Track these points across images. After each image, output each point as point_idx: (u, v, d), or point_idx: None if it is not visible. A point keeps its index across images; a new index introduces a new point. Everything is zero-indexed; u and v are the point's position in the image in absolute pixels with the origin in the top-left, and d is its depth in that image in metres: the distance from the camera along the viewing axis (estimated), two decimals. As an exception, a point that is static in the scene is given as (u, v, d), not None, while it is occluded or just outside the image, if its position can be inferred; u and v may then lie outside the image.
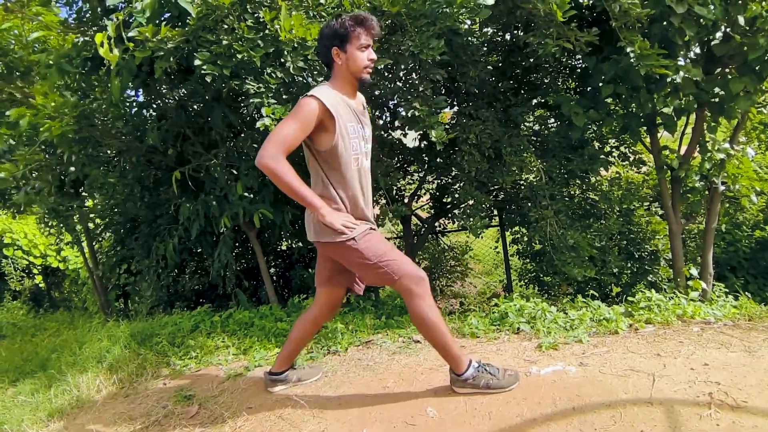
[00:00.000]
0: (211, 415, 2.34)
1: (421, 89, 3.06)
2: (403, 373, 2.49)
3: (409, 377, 2.43)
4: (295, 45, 2.68)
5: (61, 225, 5.07)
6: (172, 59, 2.75)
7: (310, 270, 4.60)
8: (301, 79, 3.01)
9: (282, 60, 2.74)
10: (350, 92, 2.14)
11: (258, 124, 2.62)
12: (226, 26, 2.69)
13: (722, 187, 3.69)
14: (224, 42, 2.64)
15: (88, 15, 3.28)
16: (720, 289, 3.63)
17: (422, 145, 4.16)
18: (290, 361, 2.51)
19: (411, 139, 4.25)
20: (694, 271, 3.63)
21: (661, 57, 2.75)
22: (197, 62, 2.63)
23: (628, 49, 2.79)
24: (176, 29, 2.69)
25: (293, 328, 2.47)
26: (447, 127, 3.25)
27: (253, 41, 2.64)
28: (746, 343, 2.41)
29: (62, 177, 3.99)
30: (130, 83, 3.09)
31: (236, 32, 2.66)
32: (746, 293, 3.30)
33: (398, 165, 4.32)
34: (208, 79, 2.68)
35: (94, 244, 5.41)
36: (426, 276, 2.13)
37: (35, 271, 8.47)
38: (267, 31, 2.67)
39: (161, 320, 3.75)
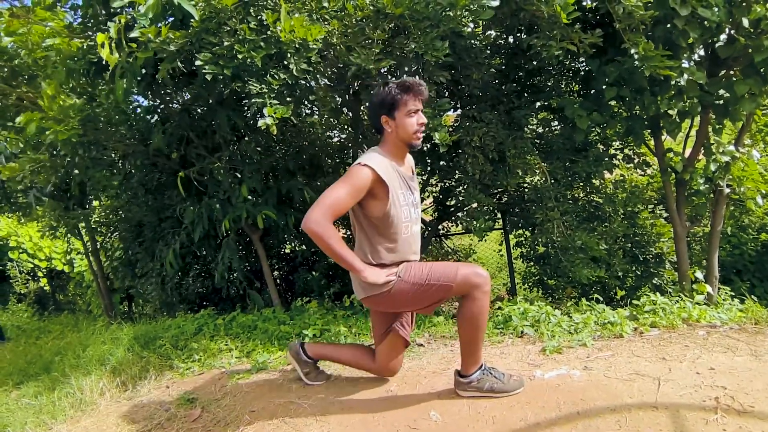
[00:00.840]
0: (214, 419, 2.34)
1: None
2: (406, 377, 2.48)
3: (412, 381, 2.43)
4: (297, 46, 2.69)
5: (66, 228, 5.09)
6: (174, 63, 2.76)
7: (313, 273, 4.60)
8: (303, 82, 3.02)
9: (285, 62, 2.74)
10: (400, 157, 2.16)
11: (260, 123, 2.62)
12: (228, 28, 2.70)
13: (727, 190, 3.67)
14: (226, 43, 2.65)
15: (92, 20, 3.30)
16: (725, 293, 3.60)
17: (425, 148, 4.15)
18: (323, 359, 2.57)
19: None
20: (700, 275, 3.60)
21: (665, 58, 2.74)
22: (198, 62, 2.64)
23: (632, 51, 2.78)
24: (179, 31, 2.70)
25: (358, 348, 2.51)
26: (450, 129, 3.24)
27: (255, 42, 2.65)
28: (753, 347, 2.39)
29: (67, 180, 4.02)
30: (134, 87, 3.10)
31: (238, 34, 2.67)
32: (752, 297, 3.26)
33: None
34: (208, 77, 2.68)
35: (98, 247, 5.43)
36: (487, 274, 2.06)
37: (40, 273, 8.51)
38: (269, 33, 2.67)
39: (164, 323, 3.76)
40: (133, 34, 2.64)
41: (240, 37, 2.65)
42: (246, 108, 3.64)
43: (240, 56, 2.62)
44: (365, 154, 2.09)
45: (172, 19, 2.89)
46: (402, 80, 2.08)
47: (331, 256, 2.00)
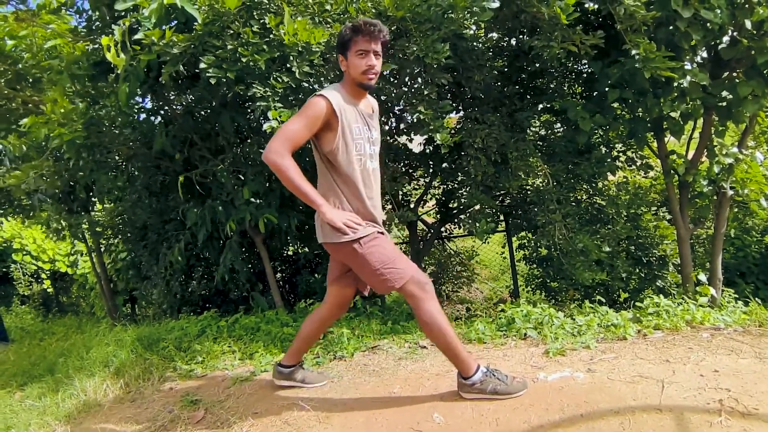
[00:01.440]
0: (217, 420, 2.34)
1: (426, 93, 3.07)
2: (409, 379, 2.48)
3: (416, 383, 2.42)
4: (300, 49, 2.70)
5: (70, 231, 5.11)
6: (178, 65, 2.78)
7: (316, 275, 4.60)
8: (306, 84, 3.03)
9: (288, 65, 2.76)
10: (357, 96, 2.19)
11: (265, 127, 2.64)
12: (231, 31, 2.71)
13: (731, 192, 3.66)
14: (229, 47, 2.66)
15: (97, 23, 3.33)
16: (729, 295, 3.59)
17: (428, 150, 4.16)
18: (299, 357, 2.55)
19: (416, 144, 4.26)
20: (703, 277, 3.59)
21: (666, 59, 2.74)
22: (202, 65, 2.66)
23: (634, 52, 2.78)
24: (182, 34, 2.71)
25: (303, 324, 2.51)
26: (452, 131, 3.25)
27: (258, 46, 2.67)
28: (757, 349, 2.38)
29: (71, 183, 4.04)
30: (138, 89, 3.12)
31: (242, 37, 2.68)
32: (756, 299, 3.25)
33: (404, 170, 4.33)
34: (212, 80, 2.70)
35: (102, 249, 5.45)
36: (430, 280, 2.14)
37: (44, 276, 8.54)
38: (272, 36, 2.69)
39: (168, 325, 3.76)
40: (137, 36, 2.66)
41: (243, 41, 2.67)
42: (249, 111, 3.67)
43: (244, 59, 2.64)
44: (325, 88, 2.14)
45: (176, 22, 2.92)
46: (355, 21, 2.12)
47: (290, 189, 2.02)
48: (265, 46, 2.68)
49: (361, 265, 2.14)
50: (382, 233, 2.20)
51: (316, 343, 3.13)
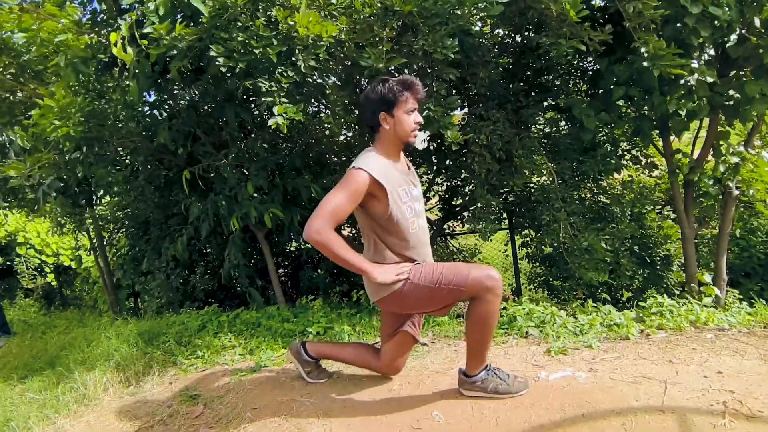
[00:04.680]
0: (216, 416, 2.33)
1: (434, 89, 3.04)
2: (409, 376, 2.46)
3: (416, 380, 2.41)
4: (309, 43, 2.68)
5: (74, 225, 5.12)
6: (185, 59, 2.76)
7: (319, 271, 4.60)
8: (310, 80, 3.01)
9: (294, 59, 2.74)
10: (396, 155, 2.15)
11: (270, 122, 2.62)
12: (240, 24, 2.69)
13: (736, 192, 3.62)
14: (239, 38, 2.64)
15: (102, 16, 3.31)
16: (734, 296, 3.56)
17: (431, 147, 4.13)
18: (325, 358, 2.57)
19: (420, 140, 4.23)
20: (708, 277, 3.56)
21: (676, 57, 2.70)
22: (212, 53, 2.63)
23: (642, 50, 2.75)
24: (190, 28, 2.70)
25: (360, 346, 2.51)
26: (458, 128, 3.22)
27: (269, 39, 2.65)
28: (762, 350, 2.36)
29: (77, 176, 4.03)
30: (146, 84, 3.10)
31: (251, 29, 2.66)
32: (761, 300, 3.22)
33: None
34: (224, 69, 2.68)
35: (105, 243, 5.45)
36: (499, 276, 2.04)
37: (47, 269, 8.57)
38: (279, 29, 2.67)
39: (169, 319, 3.77)
40: (146, 30, 2.64)
41: (253, 33, 2.65)
42: (253, 105, 3.65)
43: (256, 51, 2.62)
44: (360, 156, 2.08)
45: (182, 15, 2.90)
46: (402, 78, 2.07)
47: (337, 263, 1.99)
48: (274, 40, 2.66)
49: (420, 292, 2.06)
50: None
51: (317, 340, 3.13)
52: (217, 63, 2.64)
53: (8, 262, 8.42)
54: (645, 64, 2.75)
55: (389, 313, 2.31)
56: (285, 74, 2.71)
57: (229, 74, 2.71)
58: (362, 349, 2.48)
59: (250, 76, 2.81)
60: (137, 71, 2.85)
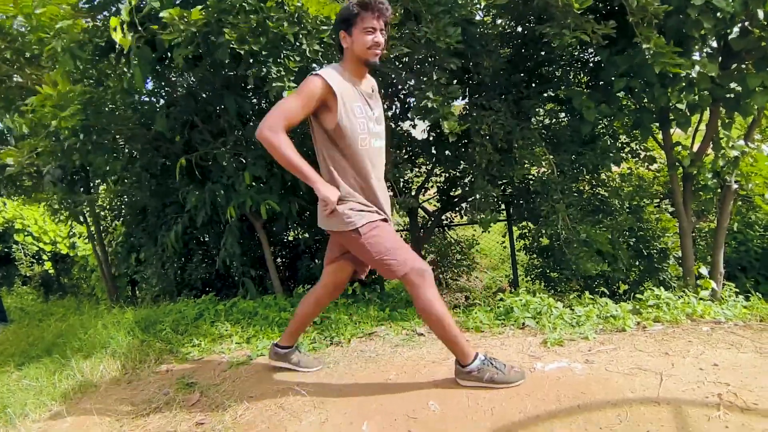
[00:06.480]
0: (212, 404, 2.33)
1: (435, 78, 3.02)
2: (405, 366, 2.47)
3: (412, 370, 2.41)
4: (316, 25, 2.66)
5: (69, 213, 5.10)
6: (190, 47, 2.72)
7: (316, 261, 4.59)
8: (315, 66, 2.98)
9: (298, 43, 2.71)
10: (358, 74, 2.15)
11: None
12: (248, 7, 2.65)
13: (735, 186, 3.62)
14: (253, 21, 2.60)
15: (98, 0, 3.27)
16: (730, 289, 3.57)
17: (431, 137, 4.11)
18: (295, 338, 2.56)
19: (420, 130, 4.21)
20: (704, 270, 3.57)
21: (676, 55, 2.69)
22: (225, 38, 2.60)
23: (644, 46, 2.73)
24: (197, 12, 2.66)
25: (299, 305, 2.50)
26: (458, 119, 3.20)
27: (282, 20, 2.62)
28: (757, 344, 2.36)
29: (74, 163, 4.00)
30: (148, 70, 3.07)
31: (263, 12, 2.62)
32: (757, 294, 3.22)
33: (406, 157, 4.28)
34: (239, 50, 2.64)
35: (102, 231, 5.44)
36: (429, 268, 2.13)
37: (45, 257, 8.56)
38: (286, 9, 2.64)
39: (166, 308, 3.76)
40: (162, 15, 2.60)
41: (264, 16, 2.62)
42: (253, 94, 3.62)
43: (275, 30, 2.59)
44: (323, 68, 2.11)
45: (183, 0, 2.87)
46: None
47: (285, 166, 2.01)
48: (285, 22, 2.64)
49: (361, 253, 2.15)
50: (385, 220, 2.18)
51: (313, 328, 3.12)
52: (231, 47, 2.61)
53: (6, 250, 8.40)
54: (647, 60, 2.74)
55: (336, 241, 2.32)
56: (292, 58, 2.69)
57: (230, 61, 2.69)
58: (303, 301, 2.48)
59: (257, 63, 2.78)
60: (138, 56, 2.82)
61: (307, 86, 2.01)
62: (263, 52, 2.76)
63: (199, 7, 2.65)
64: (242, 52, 2.68)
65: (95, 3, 3.29)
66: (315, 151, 2.18)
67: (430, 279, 2.11)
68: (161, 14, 2.61)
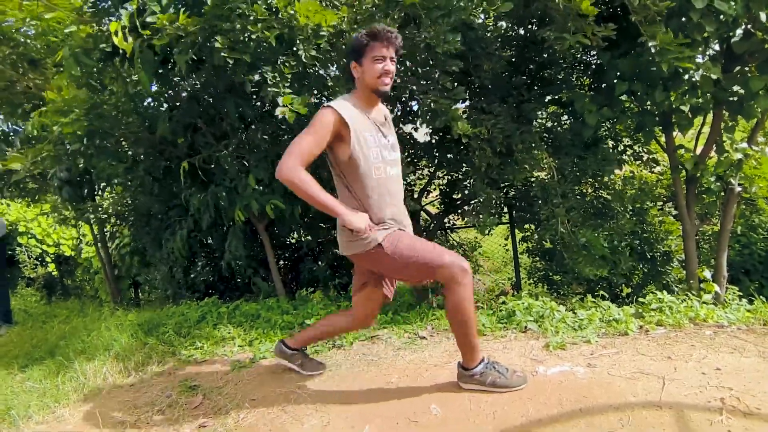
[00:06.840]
0: (215, 406, 2.34)
1: (439, 82, 3.02)
2: (407, 369, 2.47)
3: (414, 373, 2.41)
4: (309, 33, 2.66)
5: (76, 216, 5.12)
6: (189, 52, 2.74)
7: (319, 263, 4.60)
8: (312, 71, 2.99)
9: (295, 48, 2.72)
10: (369, 104, 2.16)
11: (278, 112, 2.62)
12: (240, 11, 2.67)
13: (738, 188, 3.61)
14: (238, 26, 2.62)
15: (103, 5, 3.29)
16: (734, 293, 3.55)
17: (433, 140, 4.11)
18: (305, 345, 2.62)
19: (422, 134, 4.21)
20: (708, 274, 3.55)
21: (684, 48, 2.67)
22: (217, 45, 2.62)
23: (650, 44, 2.72)
24: (192, 18, 2.68)
25: (326, 318, 2.57)
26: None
27: (268, 22, 2.63)
28: (761, 348, 2.35)
29: (78, 167, 4.02)
30: (152, 74, 3.09)
31: (249, 16, 2.64)
32: (761, 297, 3.21)
33: (408, 160, 4.29)
34: (230, 61, 2.66)
35: (106, 233, 5.46)
36: (469, 267, 2.07)
37: (48, 259, 8.58)
38: (280, 17, 2.65)
39: (168, 310, 3.77)
40: (149, 20, 2.62)
41: (251, 19, 2.63)
42: (255, 97, 3.63)
43: (254, 35, 2.60)
44: (333, 100, 2.12)
45: (183, 5, 2.88)
46: (371, 27, 2.09)
47: (310, 202, 2.01)
48: (274, 24, 2.65)
49: (392, 265, 2.10)
50: (402, 230, 2.18)
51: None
52: (222, 55, 2.63)
53: (10, 252, 8.43)
54: (653, 58, 2.72)
55: (361, 269, 2.32)
56: (287, 64, 2.70)
57: (231, 66, 2.70)
58: (332, 317, 2.54)
59: (254, 68, 2.79)
60: (142, 60, 2.83)
61: (319, 120, 2.01)
62: (259, 60, 2.77)
63: (187, 12, 2.66)
64: (233, 60, 2.69)
65: (100, 8, 3.32)
66: (333, 179, 2.19)
67: (470, 279, 2.06)
68: (147, 19, 2.62)
